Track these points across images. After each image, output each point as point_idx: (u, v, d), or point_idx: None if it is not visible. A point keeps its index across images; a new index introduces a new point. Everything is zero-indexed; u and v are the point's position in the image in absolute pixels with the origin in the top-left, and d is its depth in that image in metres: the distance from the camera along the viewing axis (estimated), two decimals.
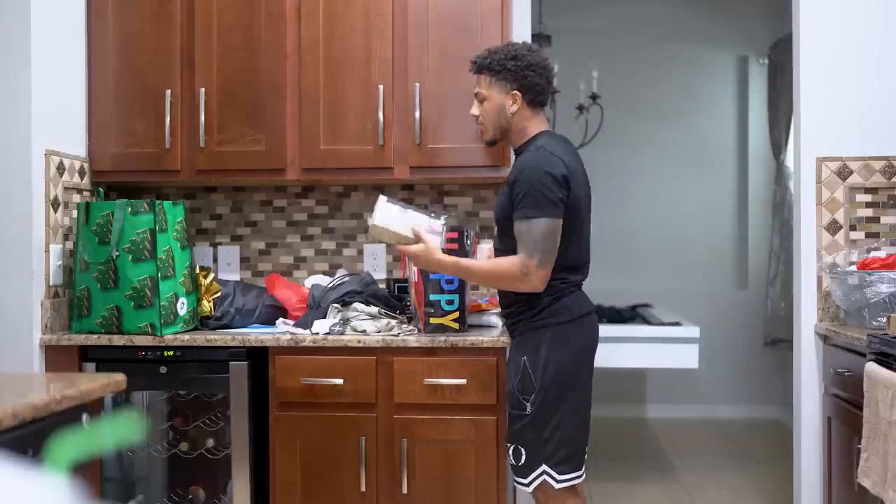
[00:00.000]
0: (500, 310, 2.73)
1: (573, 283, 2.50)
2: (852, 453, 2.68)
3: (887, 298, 2.82)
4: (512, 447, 2.50)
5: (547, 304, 2.45)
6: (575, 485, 2.50)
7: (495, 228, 2.66)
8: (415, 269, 2.85)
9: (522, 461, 2.46)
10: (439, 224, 2.60)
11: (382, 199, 2.59)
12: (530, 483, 2.46)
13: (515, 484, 2.55)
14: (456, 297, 2.85)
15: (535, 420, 2.43)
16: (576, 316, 2.47)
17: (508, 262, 2.42)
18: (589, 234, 2.57)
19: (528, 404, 2.43)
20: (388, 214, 2.56)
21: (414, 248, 2.53)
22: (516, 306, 2.51)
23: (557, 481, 2.44)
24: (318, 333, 2.84)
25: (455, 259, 2.56)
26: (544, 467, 2.44)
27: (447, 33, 3.09)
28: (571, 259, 2.48)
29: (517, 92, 2.48)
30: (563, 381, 2.43)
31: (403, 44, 3.11)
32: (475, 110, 2.58)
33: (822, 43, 3.25)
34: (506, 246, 2.52)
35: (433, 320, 2.83)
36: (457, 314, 2.84)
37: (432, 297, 2.84)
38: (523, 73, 2.47)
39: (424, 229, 2.56)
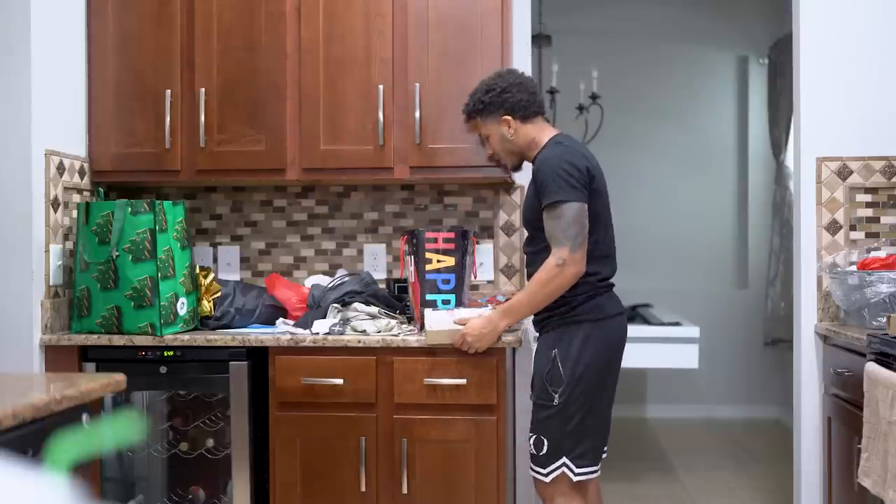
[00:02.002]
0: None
1: (605, 281, 2.57)
2: (852, 453, 2.68)
3: (887, 298, 2.82)
4: (534, 437, 2.54)
5: (581, 301, 2.51)
6: (587, 480, 2.55)
7: (525, 234, 2.73)
8: (412, 268, 2.86)
9: (544, 451, 2.51)
10: (486, 309, 2.74)
11: (428, 311, 2.76)
12: (549, 474, 2.51)
13: (532, 474, 2.57)
14: (452, 297, 2.85)
15: (561, 413, 2.49)
16: (608, 315, 2.54)
17: (545, 268, 2.47)
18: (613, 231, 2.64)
19: (556, 396, 2.48)
20: (438, 318, 2.72)
21: (466, 329, 2.65)
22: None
23: (576, 474, 2.50)
24: (318, 333, 2.84)
25: (504, 307, 2.64)
26: (564, 459, 2.49)
27: (447, 33, 3.09)
28: (602, 252, 2.55)
29: (507, 116, 2.60)
30: (592, 377, 2.49)
31: (403, 44, 3.11)
32: (487, 150, 2.70)
33: (822, 43, 3.25)
34: (535, 247, 2.59)
35: None
36: None
37: (428, 296, 2.84)
38: (500, 97, 2.60)
39: (474, 315, 2.71)
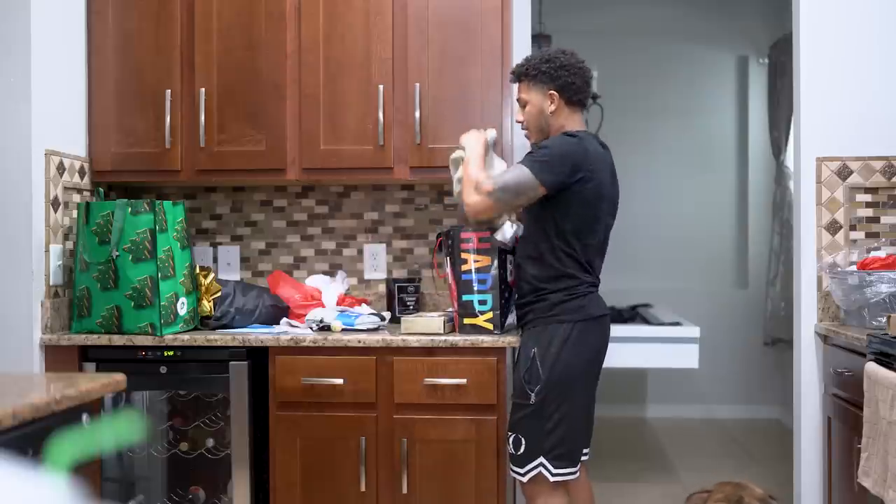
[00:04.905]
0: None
1: (587, 284, 2.57)
2: (852, 453, 2.68)
3: (887, 298, 2.82)
4: (512, 436, 2.55)
5: (560, 300, 2.53)
6: (566, 481, 2.56)
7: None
8: (450, 271, 2.83)
9: (521, 451, 2.52)
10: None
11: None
12: (526, 473, 2.52)
13: (511, 473, 2.60)
14: (489, 297, 2.78)
15: (538, 412, 2.49)
16: (591, 316, 2.55)
17: (481, 174, 2.54)
18: (605, 242, 2.63)
19: (533, 395, 2.49)
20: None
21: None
22: (531, 296, 2.59)
23: (553, 474, 2.50)
24: (321, 324, 2.84)
25: (476, 155, 2.62)
26: (542, 459, 2.49)
27: (447, 33, 3.09)
28: (585, 257, 2.55)
29: (554, 92, 2.60)
30: (571, 378, 2.50)
31: (403, 44, 3.11)
32: (519, 116, 2.70)
33: (822, 43, 3.25)
34: (532, 228, 2.62)
35: (466, 321, 2.81)
36: (491, 314, 2.79)
37: (464, 297, 2.80)
38: (557, 73, 2.59)
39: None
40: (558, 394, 2.49)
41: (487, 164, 2.69)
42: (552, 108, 2.61)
